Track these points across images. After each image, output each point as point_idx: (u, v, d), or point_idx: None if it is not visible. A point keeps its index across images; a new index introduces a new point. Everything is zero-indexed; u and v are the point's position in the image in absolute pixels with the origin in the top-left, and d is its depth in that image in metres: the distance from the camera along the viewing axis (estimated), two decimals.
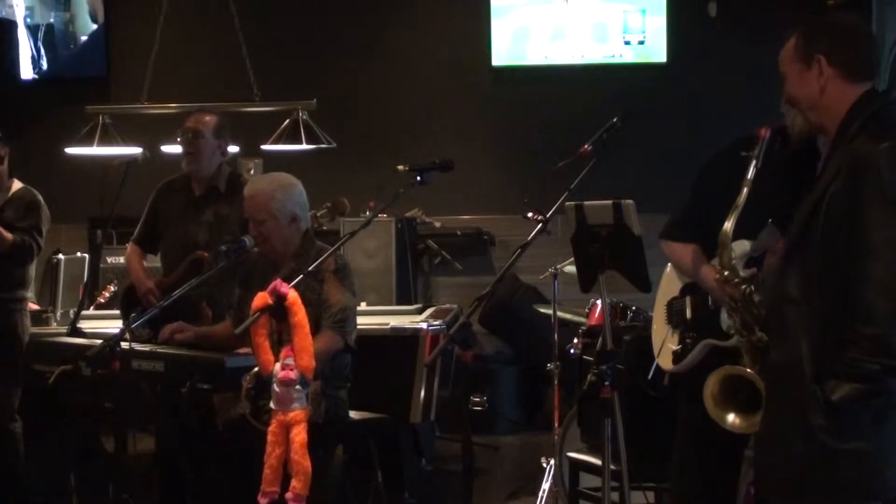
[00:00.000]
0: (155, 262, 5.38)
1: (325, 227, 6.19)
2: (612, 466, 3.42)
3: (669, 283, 3.68)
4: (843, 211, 2.47)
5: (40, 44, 8.44)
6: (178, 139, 5.21)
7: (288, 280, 3.92)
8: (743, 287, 3.14)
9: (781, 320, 2.57)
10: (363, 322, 4.77)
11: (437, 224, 7.98)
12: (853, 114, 2.62)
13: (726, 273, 3.18)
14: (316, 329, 4.08)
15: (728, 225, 3.13)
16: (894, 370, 2.39)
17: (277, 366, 3.81)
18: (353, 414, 4.50)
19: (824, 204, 2.51)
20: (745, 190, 3.12)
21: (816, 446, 2.43)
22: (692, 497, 3.60)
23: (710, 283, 3.42)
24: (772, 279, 2.83)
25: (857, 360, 2.39)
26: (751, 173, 3.14)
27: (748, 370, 3.11)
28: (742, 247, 3.34)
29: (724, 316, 3.40)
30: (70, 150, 6.50)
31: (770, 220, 3.31)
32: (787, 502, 2.57)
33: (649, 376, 4.07)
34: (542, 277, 5.51)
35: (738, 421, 3.14)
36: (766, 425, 2.61)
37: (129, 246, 5.34)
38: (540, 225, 3.57)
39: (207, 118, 5.15)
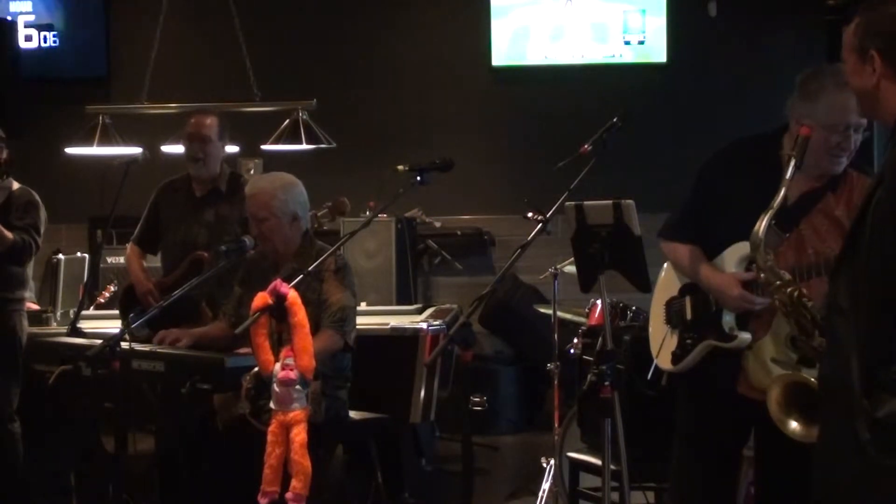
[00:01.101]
0: (155, 262, 5.38)
1: (325, 228, 6.19)
2: (612, 466, 3.42)
3: (668, 283, 3.67)
4: (886, 218, 2.33)
5: (41, 44, 8.44)
6: (184, 144, 5.18)
7: (288, 280, 3.92)
8: (790, 290, 3.09)
9: (832, 331, 2.46)
10: (363, 322, 4.77)
11: (437, 224, 7.97)
12: None
13: (763, 276, 3.14)
14: (316, 329, 4.09)
15: (760, 226, 3.08)
16: None
17: (277, 366, 3.81)
18: (353, 414, 4.50)
19: (870, 211, 2.37)
20: (783, 190, 3.08)
21: (866, 462, 2.33)
22: (692, 497, 3.60)
23: (711, 284, 3.41)
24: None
25: None
26: (789, 174, 3.09)
27: (811, 379, 3.06)
28: (744, 249, 3.32)
29: (725, 317, 3.40)
30: (70, 150, 6.50)
31: (773, 222, 3.30)
32: None
33: (648, 376, 4.07)
34: (542, 277, 5.51)
35: (799, 429, 3.09)
36: (820, 437, 2.55)
37: (129, 246, 5.34)
38: (540, 225, 3.57)
39: (209, 121, 5.15)
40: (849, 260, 2.44)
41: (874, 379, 2.33)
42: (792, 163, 3.09)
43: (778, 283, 3.13)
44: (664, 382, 3.76)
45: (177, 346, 4.40)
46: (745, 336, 3.36)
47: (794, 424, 3.11)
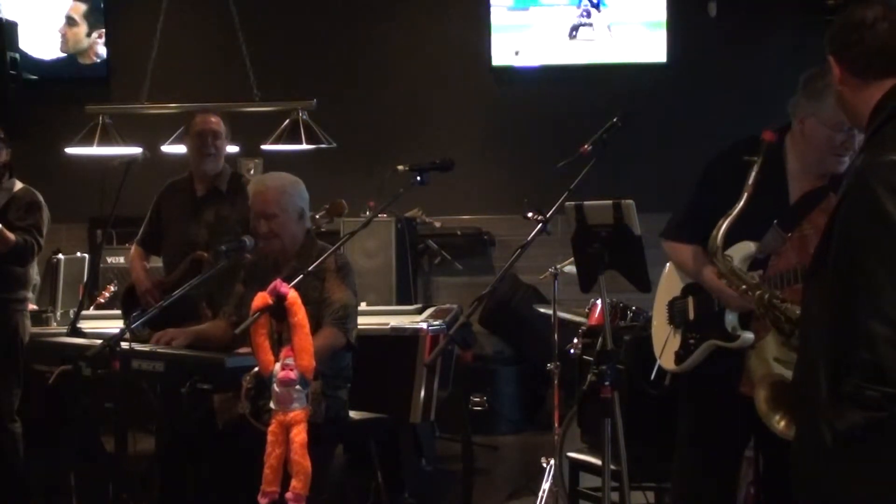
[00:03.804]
0: (158, 262, 5.38)
1: (323, 229, 6.19)
2: (612, 466, 3.42)
3: (670, 283, 3.68)
4: (849, 233, 2.35)
5: (40, 44, 8.44)
6: (192, 141, 5.16)
7: (289, 279, 3.92)
8: (759, 293, 3.10)
9: (804, 338, 2.51)
10: (363, 322, 4.76)
11: (437, 224, 7.98)
12: (872, 116, 2.46)
13: (724, 281, 3.16)
14: (316, 327, 4.09)
15: (717, 233, 3.10)
16: (894, 397, 2.29)
17: (277, 366, 3.81)
18: (353, 414, 4.50)
19: (836, 224, 2.39)
20: (746, 195, 3.10)
21: (828, 468, 2.37)
22: (693, 497, 3.60)
23: (714, 284, 3.42)
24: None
25: (858, 387, 2.30)
26: (751, 178, 3.11)
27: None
28: (747, 249, 3.33)
29: (728, 317, 3.40)
30: (70, 150, 6.50)
31: (775, 222, 3.30)
32: None
33: (652, 377, 4.07)
34: (542, 277, 5.51)
35: (785, 426, 3.10)
36: (795, 440, 2.58)
37: (133, 247, 5.34)
38: (540, 225, 3.57)
39: (215, 118, 5.16)
40: (820, 269, 2.45)
41: (838, 389, 2.35)
42: (754, 169, 3.11)
43: (743, 287, 3.14)
44: (667, 382, 3.76)
45: (176, 346, 4.40)
46: (749, 336, 3.36)
47: (781, 423, 3.13)
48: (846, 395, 2.33)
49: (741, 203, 3.11)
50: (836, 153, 3.31)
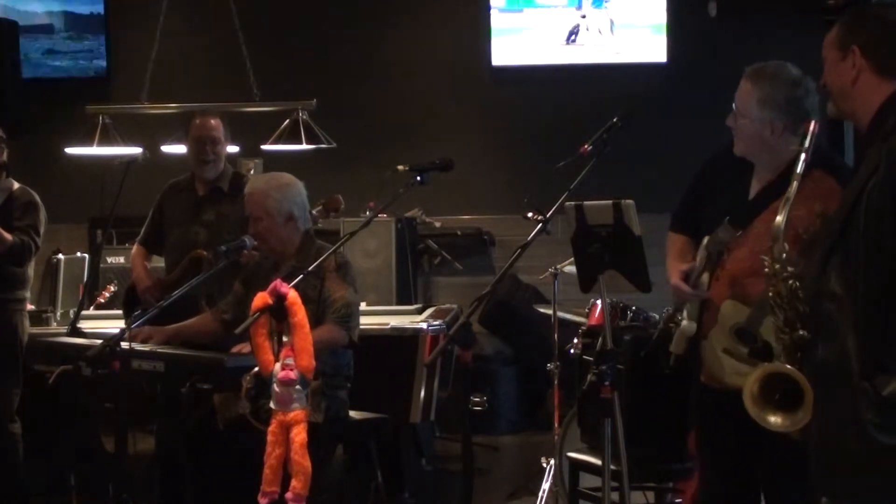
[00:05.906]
0: (160, 262, 5.38)
1: (320, 225, 6.18)
2: (612, 466, 3.42)
3: None
4: (884, 204, 2.44)
5: (40, 44, 8.44)
6: (191, 146, 5.16)
7: (288, 279, 3.92)
8: (791, 282, 3.11)
9: (825, 317, 2.53)
10: (363, 322, 4.76)
11: (437, 224, 7.98)
12: (887, 110, 2.58)
13: (777, 266, 3.17)
14: (316, 326, 4.09)
15: (780, 218, 3.11)
16: None
17: (277, 366, 3.81)
18: (353, 414, 4.50)
19: (864, 199, 2.48)
20: (795, 184, 3.11)
21: (869, 443, 2.38)
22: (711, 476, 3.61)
23: (669, 271, 3.49)
24: (810, 277, 2.81)
25: None
26: (800, 168, 3.13)
27: (787, 366, 3.07)
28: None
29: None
30: (70, 150, 6.50)
31: (727, 218, 3.31)
32: (842, 499, 2.53)
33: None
34: (542, 277, 5.51)
35: (780, 420, 3.10)
36: (817, 423, 2.58)
37: (135, 246, 5.35)
38: (540, 225, 3.57)
39: (215, 122, 5.14)
40: (840, 247, 2.49)
41: (874, 361, 2.36)
42: (802, 157, 3.11)
43: (784, 275, 3.15)
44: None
45: (177, 345, 4.40)
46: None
47: (773, 417, 3.12)
48: (891, 363, 2.36)
49: (792, 191, 3.11)
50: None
